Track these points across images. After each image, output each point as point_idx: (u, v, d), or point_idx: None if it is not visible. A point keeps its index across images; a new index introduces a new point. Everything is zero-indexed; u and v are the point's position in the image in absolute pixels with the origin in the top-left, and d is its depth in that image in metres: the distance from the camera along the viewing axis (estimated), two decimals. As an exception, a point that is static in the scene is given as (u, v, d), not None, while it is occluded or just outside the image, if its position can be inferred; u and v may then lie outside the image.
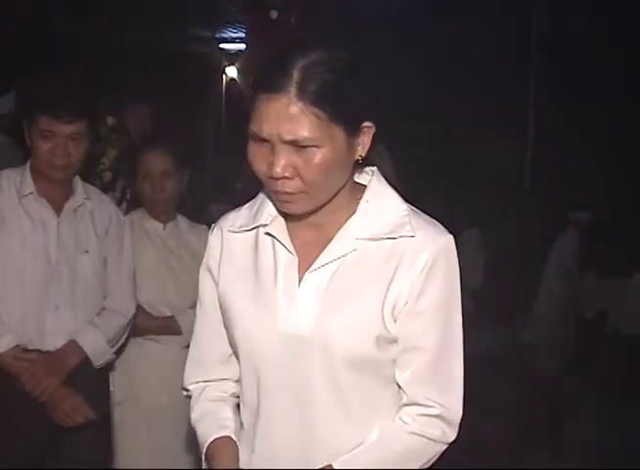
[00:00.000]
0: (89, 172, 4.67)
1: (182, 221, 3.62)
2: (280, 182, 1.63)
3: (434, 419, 1.72)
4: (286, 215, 1.75)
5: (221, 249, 1.83)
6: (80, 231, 3.13)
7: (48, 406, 3.00)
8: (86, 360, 3.08)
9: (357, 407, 1.72)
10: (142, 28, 6.64)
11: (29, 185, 3.05)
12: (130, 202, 4.09)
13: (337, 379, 1.69)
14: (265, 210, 1.78)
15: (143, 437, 3.41)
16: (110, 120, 4.78)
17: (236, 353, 1.83)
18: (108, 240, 3.18)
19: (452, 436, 1.75)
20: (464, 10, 6.28)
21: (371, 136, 1.69)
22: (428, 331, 1.70)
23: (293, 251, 1.74)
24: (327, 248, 1.72)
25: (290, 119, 1.58)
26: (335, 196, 1.71)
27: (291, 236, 1.75)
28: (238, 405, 1.86)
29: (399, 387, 1.74)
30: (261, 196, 1.81)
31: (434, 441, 1.73)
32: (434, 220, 1.76)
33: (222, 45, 9.91)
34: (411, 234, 1.69)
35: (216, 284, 1.84)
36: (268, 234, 1.77)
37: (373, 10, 6.39)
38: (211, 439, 1.80)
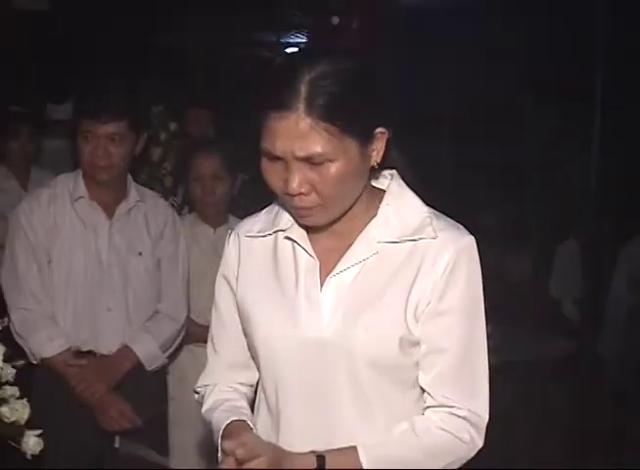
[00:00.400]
0: (151, 177, 4.72)
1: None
2: (297, 198, 1.63)
3: (461, 421, 1.69)
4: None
5: (238, 255, 1.82)
6: (133, 233, 3.14)
7: (95, 410, 3.03)
8: (139, 365, 3.11)
9: (379, 412, 1.70)
10: (205, 31, 6.67)
11: (81, 189, 3.08)
12: (191, 206, 4.11)
13: (359, 383, 1.68)
14: (284, 215, 1.77)
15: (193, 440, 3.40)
16: (172, 126, 4.82)
17: (255, 358, 1.81)
18: (162, 242, 3.19)
19: (479, 441, 1.71)
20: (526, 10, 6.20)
21: (385, 141, 1.67)
22: (451, 332, 1.68)
23: (314, 255, 1.73)
24: (348, 252, 1.71)
25: (301, 137, 1.57)
26: (353, 203, 1.70)
27: (311, 242, 1.75)
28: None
29: (423, 389, 1.72)
30: (279, 203, 1.80)
31: (462, 442, 1.69)
32: (455, 222, 1.75)
33: (288, 50, 10.09)
34: (433, 236, 1.68)
35: (233, 292, 1.83)
36: (288, 238, 1.76)
37: (440, 10, 6.34)
38: (229, 421, 1.77)
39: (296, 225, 1.75)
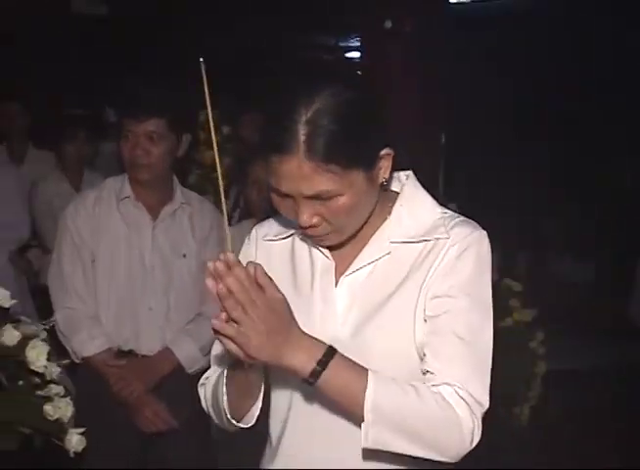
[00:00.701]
0: (203, 180, 4.77)
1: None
2: (309, 230, 1.66)
3: (462, 401, 1.59)
4: None
5: (255, 258, 1.82)
6: (178, 235, 3.17)
7: (131, 410, 3.06)
8: (179, 368, 3.14)
9: None
10: (265, 34, 6.71)
11: (127, 190, 3.12)
12: (244, 209, 4.14)
13: None
14: None
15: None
16: (225, 129, 4.87)
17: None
18: (208, 246, 3.21)
19: (477, 431, 1.61)
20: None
21: (391, 159, 1.67)
22: (457, 316, 1.65)
23: (329, 256, 1.75)
24: (361, 252, 1.73)
25: (305, 179, 1.57)
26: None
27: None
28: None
29: (426, 371, 1.65)
30: None
31: (461, 419, 1.59)
32: (469, 220, 1.73)
33: (348, 54, 10.09)
34: (445, 236, 1.68)
35: None
36: (305, 241, 1.78)
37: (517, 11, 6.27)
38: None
39: None
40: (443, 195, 4.45)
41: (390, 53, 4.41)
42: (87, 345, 3.05)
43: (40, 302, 3.91)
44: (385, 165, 1.66)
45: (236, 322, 1.48)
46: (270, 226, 1.86)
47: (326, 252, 1.75)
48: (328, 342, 1.61)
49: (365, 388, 1.56)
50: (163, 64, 6.16)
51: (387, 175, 1.67)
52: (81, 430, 2.40)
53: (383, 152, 1.64)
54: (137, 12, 6.67)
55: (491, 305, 1.69)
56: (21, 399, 2.30)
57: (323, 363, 1.55)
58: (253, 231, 1.88)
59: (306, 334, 1.57)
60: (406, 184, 1.76)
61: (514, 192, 6.08)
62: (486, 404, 1.63)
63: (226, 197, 4.60)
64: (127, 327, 3.10)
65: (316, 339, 1.58)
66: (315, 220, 1.63)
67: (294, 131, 1.55)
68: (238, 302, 1.47)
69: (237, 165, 4.62)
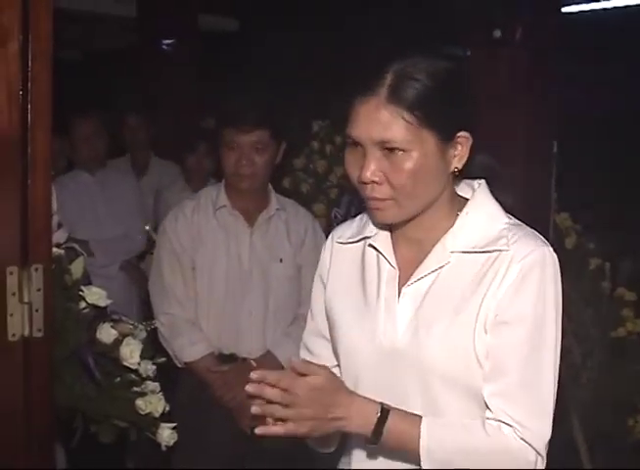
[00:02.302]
0: (316, 189, 4.85)
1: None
2: (369, 187, 1.63)
3: (521, 441, 1.62)
4: (389, 229, 1.77)
5: (330, 260, 1.86)
6: (274, 241, 3.26)
7: (235, 413, 3.15)
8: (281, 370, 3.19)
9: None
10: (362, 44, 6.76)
11: (223, 199, 3.21)
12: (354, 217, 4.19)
13: (430, 393, 1.67)
14: (371, 222, 1.80)
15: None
16: (337, 139, 4.94)
17: (338, 364, 1.84)
18: (304, 250, 3.29)
19: (540, 462, 1.64)
20: None
21: (468, 147, 1.67)
22: (517, 347, 1.62)
23: (395, 264, 1.74)
24: (424, 261, 1.71)
25: (379, 122, 1.58)
26: (432, 210, 1.70)
27: (394, 251, 1.76)
28: None
29: (485, 401, 1.65)
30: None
31: (519, 454, 1.62)
32: (534, 232, 1.70)
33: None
34: (506, 248, 1.64)
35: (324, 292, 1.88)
36: (372, 246, 1.78)
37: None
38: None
39: (381, 233, 1.77)
40: (557, 202, 4.40)
41: (500, 62, 4.38)
42: (188, 350, 3.17)
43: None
44: (460, 151, 1.66)
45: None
46: (344, 229, 1.87)
47: (391, 260, 1.74)
48: (388, 353, 1.69)
49: (419, 436, 1.60)
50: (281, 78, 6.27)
51: (460, 165, 1.67)
52: (173, 425, 2.51)
53: (462, 133, 1.65)
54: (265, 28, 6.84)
55: (554, 329, 1.64)
56: (115, 394, 2.42)
57: (381, 424, 1.60)
58: (330, 235, 1.91)
59: (355, 395, 1.63)
60: (477, 191, 1.75)
61: (627, 200, 5.91)
62: (548, 435, 1.64)
63: (337, 205, 4.70)
64: (228, 332, 3.20)
65: (365, 398, 1.63)
66: (378, 177, 1.61)
67: (382, 76, 1.59)
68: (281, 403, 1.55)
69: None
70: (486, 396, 1.65)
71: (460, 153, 1.67)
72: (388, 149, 1.60)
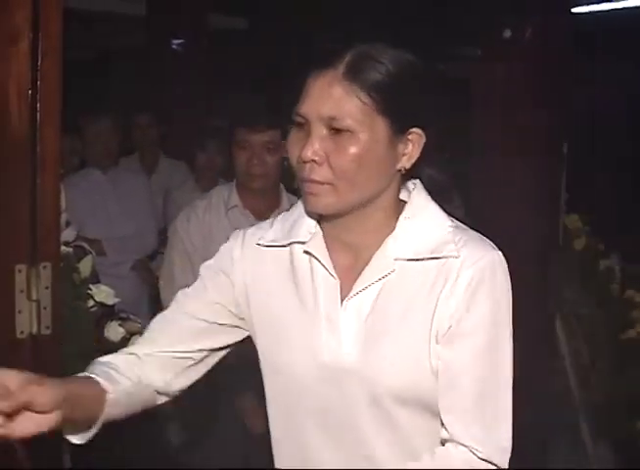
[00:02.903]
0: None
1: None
2: (308, 166, 1.49)
3: (480, 461, 1.50)
4: (324, 234, 1.60)
5: (244, 260, 1.66)
6: None
7: (245, 413, 3.15)
8: None
9: (404, 439, 1.56)
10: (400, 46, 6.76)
11: (235, 198, 3.20)
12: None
13: (384, 412, 1.54)
14: (302, 225, 1.62)
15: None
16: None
17: (270, 383, 1.65)
18: None
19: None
20: None
21: (420, 147, 1.54)
22: (471, 360, 1.51)
23: (334, 273, 1.58)
24: (365, 270, 1.56)
25: (331, 97, 1.47)
26: (372, 209, 1.56)
27: (330, 257, 1.59)
28: None
29: (441, 419, 1.53)
30: (297, 211, 1.65)
31: None
32: (481, 236, 1.59)
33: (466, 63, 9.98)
34: (455, 254, 1.52)
35: (231, 287, 1.67)
36: (307, 253, 1.60)
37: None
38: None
39: (315, 238, 1.60)
40: (566, 204, 4.40)
41: (510, 62, 4.38)
42: None
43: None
44: (411, 149, 1.54)
45: None
46: (264, 231, 1.67)
47: (330, 268, 1.58)
48: (332, 370, 1.54)
49: None
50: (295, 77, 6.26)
51: (408, 165, 1.54)
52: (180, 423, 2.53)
53: (415, 129, 1.53)
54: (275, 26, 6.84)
55: (508, 334, 1.55)
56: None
57: None
58: (240, 233, 1.70)
59: None
60: (414, 193, 1.61)
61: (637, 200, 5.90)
62: (509, 446, 1.53)
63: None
64: None
65: None
66: (319, 156, 1.48)
67: (342, 54, 1.48)
68: None
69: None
70: (443, 415, 1.53)
71: (411, 152, 1.54)
72: (336, 129, 1.47)
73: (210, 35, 6.49)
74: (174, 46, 6.26)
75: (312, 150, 1.48)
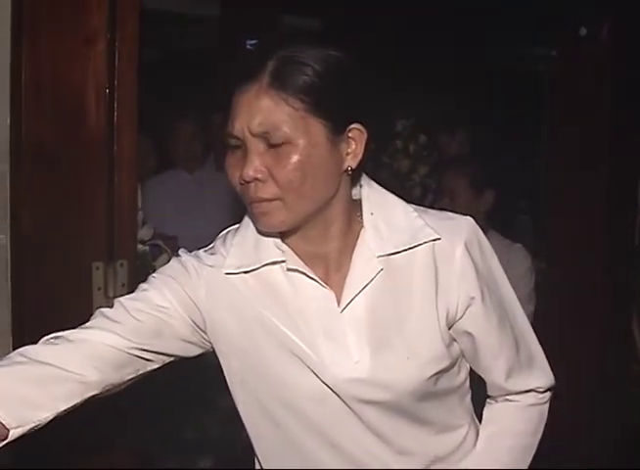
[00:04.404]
0: (400, 188, 4.84)
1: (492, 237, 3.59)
2: (252, 186, 1.42)
3: (539, 394, 1.67)
4: (295, 249, 1.53)
5: (205, 291, 1.54)
6: None
7: None
8: None
9: (426, 426, 1.58)
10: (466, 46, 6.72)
11: None
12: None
13: (405, 409, 1.53)
14: (269, 245, 1.53)
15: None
16: (422, 138, 4.92)
17: (271, 418, 1.56)
18: None
19: (552, 393, 1.69)
20: None
21: (363, 143, 1.47)
22: (498, 328, 1.57)
23: (325, 285, 1.51)
24: (349, 276, 1.50)
25: (260, 110, 1.39)
26: (329, 215, 1.50)
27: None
28: None
29: (490, 383, 1.65)
30: (249, 232, 1.55)
31: (546, 405, 1.68)
32: (443, 212, 1.58)
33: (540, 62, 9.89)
34: (435, 236, 1.49)
35: (187, 310, 1.54)
36: (293, 270, 1.51)
37: None
38: None
39: (289, 254, 1.52)
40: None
41: (586, 60, 4.32)
42: None
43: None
44: (354, 148, 1.46)
45: None
46: (223, 258, 1.55)
47: (320, 280, 1.50)
48: (345, 384, 1.49)
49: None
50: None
51: (354, 163, 1.47)
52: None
53: (355, 125, 1.45)
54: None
55: (507, 280, 1.61)
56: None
57: None
58: (193, 262, 1.56)
59: None
60: (365, 189, 1.55)
61: None
62: (552, 377, 1.67)
63: (422, 205, 4.69)
64: None
65: None
66: (261, 173, 1.40)
67: (264, 63, 1.40)
68: None
69: (433, 175, 4.66)
70: (484, 376, 1.64)
71: (354, 150, 1.46)
72: (272, 144, 1.40)
73: (283, 35, 6.50)
74: (248, 46, 6.30)
75: (253, 168, 1.40)
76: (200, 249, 1.59)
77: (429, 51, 6.64)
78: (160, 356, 1.55)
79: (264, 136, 1.40)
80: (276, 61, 1.40)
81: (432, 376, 1.51)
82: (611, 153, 4.01)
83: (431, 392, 1.53)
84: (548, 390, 1.67)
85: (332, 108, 1.42)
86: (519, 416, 1.67)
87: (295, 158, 1.40)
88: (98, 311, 1.54)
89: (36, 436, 1.39)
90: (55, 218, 2.06)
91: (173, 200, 4.32)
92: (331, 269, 1.52)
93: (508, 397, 1.66)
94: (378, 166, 4.79)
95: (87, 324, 1.52)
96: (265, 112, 1.39)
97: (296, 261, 1.51)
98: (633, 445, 3.88)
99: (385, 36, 6.41)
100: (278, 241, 1.52)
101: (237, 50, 6.35)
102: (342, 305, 1.49)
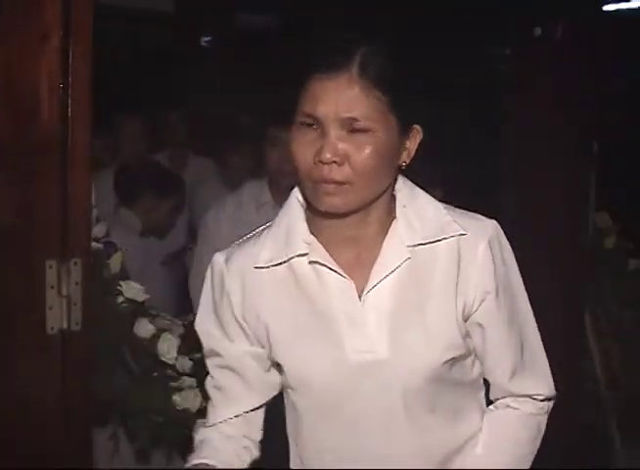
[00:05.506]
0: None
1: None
2: (327, 168, 1.50)
3: (539, 402, 1.71)
4: (321, 236, 1.62)
5: (243, 290, 1.66)
6: None
7: None
8: None
9: (440, 417, 1.64)
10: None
11: (266, 195, 3.21)
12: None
13: (421, 394, 1.61)
14: (297, 236, 1.63)
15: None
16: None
17: (298, 402, 1.66)
18: None
19: (551, 406, 1.74)
20: None
21: (417, 142, 1.58)
22: (507, 326, 1.65)
23: (346, 275, 1.59)
24: (378, 262, 1.59)
25: (349, 98, 1.49)
26: (377, 203, 1.59)
27: (334, 259, 1.61)
28: None
29: (492, 383, 1.70)
30: (283, 222, 1.67)
31: (544, 416, 1.72)
32: (472, 213, 1.67)
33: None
34: (462, 232, 1.60)
35: (245, 333, 1.67)
36: (313, 262, 1.60)
37: None
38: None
39: (314, 246, 1.61)
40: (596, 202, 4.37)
41: (540, 60, 4.35)
42: None
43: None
44: (410, 147, 1.58)
45: None
46: (252, 253, 1.66)
47: (340, 271, 1.59)
48: (363, 367, 1.57)
49: None
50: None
51: (408, 160, 1.58)
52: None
53: (417, 125, 1.57)
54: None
55: (523, 286, 1.70)
56: (151, 389, 2.43)
57: None
58: (221, 261, 1.70)
59: None
60: (400, 182, 1.64)
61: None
62: (553, 386, 1.72)
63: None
64: None
65: None
66: (339, 157, 1.49)
67: (350, 54, 1.50)
68: None
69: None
70: (487, 375, 1.69)
71: (410, 148, 1.58)
72: (352, 129, 1.50)
73: (239, 33, 6.50)
74: (203, 44, 6.29)
75: (333, 151, 1.49)
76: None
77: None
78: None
79: (349, 122, 1.49)
80: (363, 54, 1.50)
81: (446, 361, 1.59)
82: (566, 152, 4.04)
83: (445, 378, 1.61)
84: (547, 399, 1.71)
85: (405, 106, 1.53)
86: (517, 424, 1.70)
87: (372, 147, 1.50)
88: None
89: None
90: (8, 216, 2.04)
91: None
92: (361, 253, 1.61)
93: (508, 403, 1.70)
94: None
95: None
96: (354, 101, 1.49)
97: (320, 254, 1.60)
98: (587, 445, 3.93)
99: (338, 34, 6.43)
100: (305, 232, 1.63)
101: (190, 48, 6.36)
102: (368, 288, 1.58)
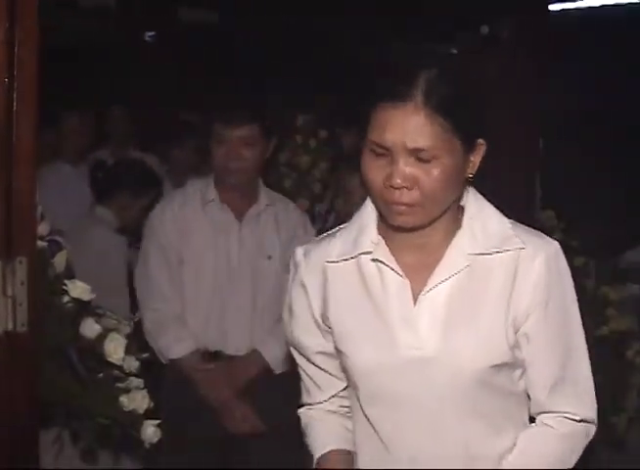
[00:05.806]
0: (299, 184, 4.82)
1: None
2: (398, 192, 1.62)
3: (576, 423, 1.73)
4: (389, 240, 1.75)
5: (324, 283, 1.80)
6: (263, 237, 3.22)
7: (220, 413, 3.11)
8: (267, 369, 3.16)
9: (485, 422, 1.72)
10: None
11: (212, 193, 3.17)
12: (338, 213, 4.16)
13: (467, 398, 1.69)
14: (366, 237, 1.76)
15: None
16: (322, 134, 4.89)
17: (355, 389, 1.80)
18: (293, 246, 3.23)
19: (593, 432, 1.76)
20: None
21: (482, 154, 1.68)
22: (552, 340, 1.72)
23: (403, 274, 1.72)
24: (439, 266, 1.70)
25: (415, 128, 1.58)
26: (441, 217, 1.71)
27: (396, 260, 1.73)
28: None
29: (532, 398, 1.75)
30: (356, 224, 1.79)
31: (581, 439, 1.75)
32: (536, 231, 1.77)
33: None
34: (521, 246, 1.69)
35: (318, 325, 1.82)
36: (376, 260, 1.74)
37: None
38: (326, 450, 1.85)
39: (380, 246, 1.75)
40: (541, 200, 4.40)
41: (487, 59, 4.38)
42: (174, 347, 3.11)
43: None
44: (475, 159, 1.67)
45: None
46: (327, 248, 1.82)
47: (398, 270, 1.72)
48: (413, 363, 1.68)
49: None
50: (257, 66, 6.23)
51: (473, 171, 1.68)
52: (156, 422, 2.47)
53: (480, 140, 1.66)
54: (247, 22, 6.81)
55: (578, 311, 1.75)
56: (98, 390, 2.38)
57: None
58: (300, 255, 1.86)
59: None
60: (469, 195, 1.76)
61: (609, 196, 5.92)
62: (596, 411, 1.75)
63: (320, 200, 4.65)
64: (214, 328, 3.14)
65: None
66: (408, 183, 1.60)
67: (414, 82, 1.58)
68: None
69: (334, 170, 4.64)
70: (535, 392, 1.74)
71: (475, 160, 1.68)
72: (419, 157, 1.60)
73: (184, 29, 6.46)
74: (147, 39, 6.22)
75: (403, 177, 1.60)
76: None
77: (329, 50, 6.68)
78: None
79: (416, 152, 1.59)
80: (426, 80, 1.59)
81: (493, 366, 1.67)
82: (512, 151, 4.07)
83: (492, 384, 1.69)
84: (585, 421, 1.74)
85: (468, 127, 1.63)
86: (549, 443, 1.74)
87: (440, 172, 1.60)
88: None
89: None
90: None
91: (58, 194, 4.20)
92: (423, 257, 1.72)
93: (546, 421, 1.75)
94: (275, 163, 4.75)
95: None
96: (419, 129, 1.58)
97: (383, 254, 1.73)
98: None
99: (277, 30, 6.40)
100: (374, 233, 1.75)
101: (132, 42, 6.28)
102: (426, 290, 1.69)
